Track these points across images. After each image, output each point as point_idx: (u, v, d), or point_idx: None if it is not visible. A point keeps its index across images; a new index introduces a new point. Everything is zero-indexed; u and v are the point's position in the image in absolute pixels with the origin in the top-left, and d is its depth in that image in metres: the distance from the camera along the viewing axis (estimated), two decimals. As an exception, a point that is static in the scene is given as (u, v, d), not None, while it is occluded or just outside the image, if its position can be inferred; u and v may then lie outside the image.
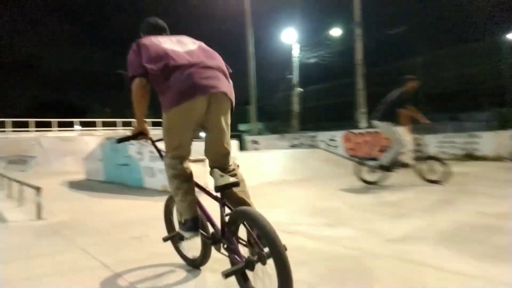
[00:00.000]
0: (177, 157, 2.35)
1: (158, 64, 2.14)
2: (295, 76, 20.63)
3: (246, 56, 19.44)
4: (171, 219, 2.94)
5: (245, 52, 19.48)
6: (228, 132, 2.32)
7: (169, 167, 2.39)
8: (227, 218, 2.16)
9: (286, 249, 1.79)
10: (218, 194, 2.20)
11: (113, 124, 22.27)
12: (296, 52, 20.68)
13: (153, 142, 2.73)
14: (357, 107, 14.25)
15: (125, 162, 8.83)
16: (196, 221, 2.30)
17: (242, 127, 33.91)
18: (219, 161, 2.36)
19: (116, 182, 9.29)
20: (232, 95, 2.29)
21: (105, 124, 21.72)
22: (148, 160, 7.86)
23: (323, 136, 11.65)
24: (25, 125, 19.21)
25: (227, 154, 2.35)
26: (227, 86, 2.26)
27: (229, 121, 2.32)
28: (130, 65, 2.27)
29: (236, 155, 9.55)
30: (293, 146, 12.64)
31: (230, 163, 2.39)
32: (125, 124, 22.70)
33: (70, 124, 20.94)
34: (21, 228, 4.56)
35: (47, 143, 18.02)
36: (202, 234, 2.42)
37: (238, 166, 2.47)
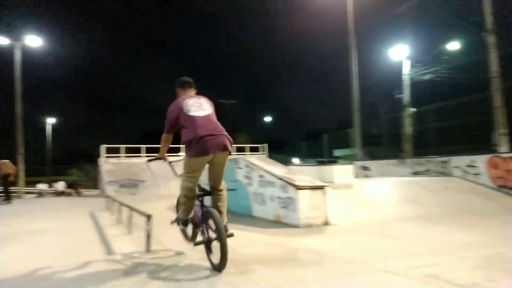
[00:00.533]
0: (191, 182, 3.59)
1: (188, 134, 3.41)
2: (405, 96, 18.57)
3: (348, 76, 18.10)
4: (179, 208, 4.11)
5: (347, 71, 18.20)
6: (223, 169, 3.62)
7: (184, 188, 3.64)
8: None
9: (232, 235, 3.47)
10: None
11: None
12: (406, 69, 18.70)
13: (169, 163, 4.12)
14: (495, 127, 11.82)
15: (232, 187, 8.13)
16: (187, 221, 3.82)
17: (337, 152, 31.92)
18: (215, 184, 3.68)
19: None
20: (230, 148, 3.49)
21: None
22: (257, 185, 7.02)
23: (458, 161, 9.61)
24: (136, 151, 20.41)
25: (220, 180, 3.67)
26: (227, 144, 3.45)
27: (225, 164, 3.60)
28: (167, 121, 3.60)
29: (351, 182, 8.23)
30: (417, 174, 10.77)
31: (221, 185, 3.71)
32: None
33: (176, 150, 21.75)
34: (128, 262, 3.92)
35: (155, 168, 18.76)
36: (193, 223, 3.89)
37: (225, 185, 3.77)
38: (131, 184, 17.38)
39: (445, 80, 17.79)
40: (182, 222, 3.85)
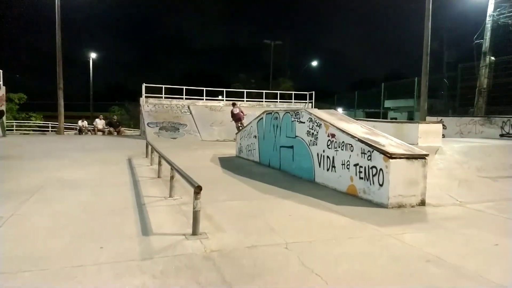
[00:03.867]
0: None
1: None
2: (486, 41, 15.80)
3: (419, 14, 15.45)
4: None
5: (418, 9, 15.53)
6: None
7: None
8: None
9: None
10: None
11: (259, 96, 21.09)
12: (490, 9, 15.70)
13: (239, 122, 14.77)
14: None
15: (289, 143, 6.83)
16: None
17: (388, 103, 29.25)
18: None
19: (274, 167, 7.43)
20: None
21: (248, 95, 20.65)
22: (325, 145, 5.64)
23: None
24: (178, 92, 19.38)
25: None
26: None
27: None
28: (233, 115, 15.40)
29: (439, 146, 6.62)
30: (507, 136, 8.89)
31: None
32: (269, 96, 21.28)
33: (216, 94, 20.51)
34: (168, 254, 2.80)
35: (196, 111, 17.78)
36: None
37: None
38: (172, 127, 16.55)
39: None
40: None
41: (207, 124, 17.12)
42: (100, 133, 19.54)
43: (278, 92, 20.79)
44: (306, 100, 20.96)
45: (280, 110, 7.47)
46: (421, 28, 14.92)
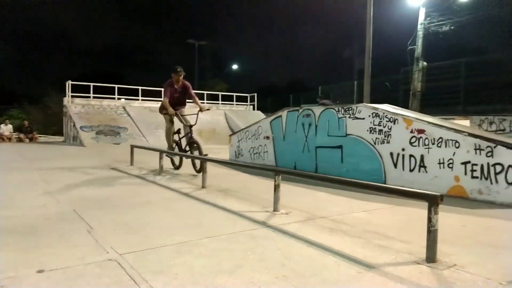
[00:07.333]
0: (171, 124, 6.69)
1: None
2: (418, 47, 17.24)
3: (359, 22, 16.08)
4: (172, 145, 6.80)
5: (356, 17, 16.17)
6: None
7: (167, 128, 6.76)
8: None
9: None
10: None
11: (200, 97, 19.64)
12: (422, 18, 17.20)
13: (177, 115, 6.36)
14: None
15: (335, 143, 6.07)
16: (172, 147, 6.72)
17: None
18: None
19: (305, 170, 6.57)
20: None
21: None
22: (406, 143, 5.04)
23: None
24: (107, 91, 16.92)
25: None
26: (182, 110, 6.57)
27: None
28: (164, 92, 6.40)
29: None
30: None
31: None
32: (203, 98, 20.02)
33: (152, 94, 18.49)
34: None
35: (135, 113, 15.65)
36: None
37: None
38: (111, 132, 14.19)
39: (464, 33, 16.71)
40: (168, 149, 6.87)
41: (151, 127, 15.16)
42: (7, 140, 15.91)
43: (220, 93, 19.71)
44: (247, 102, 20.29)
45: (312, 107, 6.67)
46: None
